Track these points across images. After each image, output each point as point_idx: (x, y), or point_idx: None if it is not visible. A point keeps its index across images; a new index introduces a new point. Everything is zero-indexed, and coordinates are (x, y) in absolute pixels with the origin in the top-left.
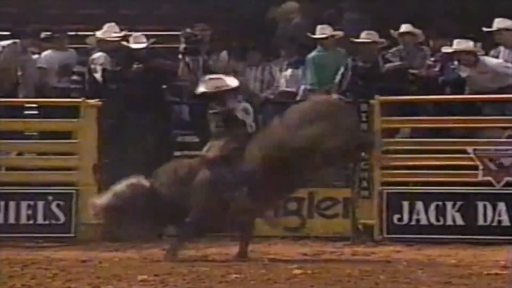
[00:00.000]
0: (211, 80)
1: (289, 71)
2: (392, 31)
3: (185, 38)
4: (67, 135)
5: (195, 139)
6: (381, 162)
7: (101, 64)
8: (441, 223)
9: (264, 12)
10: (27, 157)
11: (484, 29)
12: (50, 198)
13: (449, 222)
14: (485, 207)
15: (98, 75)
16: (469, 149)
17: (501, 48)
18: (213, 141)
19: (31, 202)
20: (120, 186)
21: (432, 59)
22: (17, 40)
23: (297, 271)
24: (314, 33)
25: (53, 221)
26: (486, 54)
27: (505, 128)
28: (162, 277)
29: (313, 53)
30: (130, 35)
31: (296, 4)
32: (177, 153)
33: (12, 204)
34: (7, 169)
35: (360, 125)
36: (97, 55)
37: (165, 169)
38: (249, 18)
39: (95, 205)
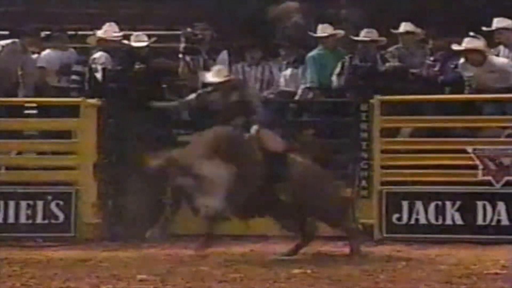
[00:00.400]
0: (220, 70)
1: (288, 71)
2: (392, 29)
3: (185, 37)
4: (66, 134)
5: None
6: None
7: (102, 64)
8: (440, 222)
9: (264, 12)
10: (27, 156)
11: (484, 28)
12: (50, 197)
13: (449, 221)
14: (484, 206)
15: (99, 75)
16: (469, 148)
17: (501, 47)
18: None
19: (31, 202)
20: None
21: (432, 58)
22: (17, 40)
23: (296, 271)
24: (313, 32)
25: (53, 221)
26: None
27: (505, 128)
28: (162, 277)
29: (314, 52)
30: (131, 34)
31: (295, 4)
32: None
33: (11, 204)
34: (7, 168)
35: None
36: (98, 54)
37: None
38: (249, 18)
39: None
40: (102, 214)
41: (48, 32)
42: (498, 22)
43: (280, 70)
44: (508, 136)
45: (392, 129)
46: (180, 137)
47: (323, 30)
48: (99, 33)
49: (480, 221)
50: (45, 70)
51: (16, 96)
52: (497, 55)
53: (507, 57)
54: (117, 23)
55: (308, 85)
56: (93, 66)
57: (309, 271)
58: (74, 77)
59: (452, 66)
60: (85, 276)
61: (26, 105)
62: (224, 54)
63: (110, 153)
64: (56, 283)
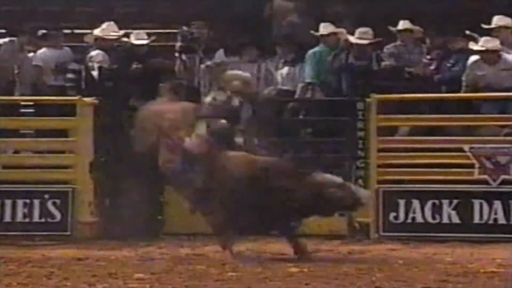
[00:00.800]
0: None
1: (285, 69)
2: (390, 27)
3: (181, 36)
4: (63, 133)
5: None
6: None
7: (98, 62)
8: (437, 221)
9: (260, 10)
10: (23, 155)
11: (484, 26)
12: (46, 196)
13: (445, 220)
14: (481, 205)
15: (95, 73)
16: (466, 147)
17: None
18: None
19: (27, 200)
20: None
21: (429, 57)
22: (14, 38)
23: (293, 269)
24: (312, 31)
25: (49, 219)
26: None
27: (502, 126)
28: (159, 275)
29: (314, 49)
30: (128, 33)
31: (291, 3)
32: None
33: (8, 202)
34: (4, 167)
35: None
36: (95, 52)
37: None
38: (246, 16)
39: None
40: (98, 213)
41: (44, 31)
42: (498, 20)
43: (276, 68)
44: (507, 135)
45: (388, 128)
46: None
47: (325, 28)
48: (97, 31)
49: (476, 219)
50: (41, 68)
51: (12, 94)
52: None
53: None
54: (114, 22)
55: (307, 80)
56: (90, 64)
57: (305, 269)
58: (70, 75)
59: (449, 65)
60: (81, 274)
61: (23, 103)
62: (220, 53)
63: (106, 152)
64: (53, 282)
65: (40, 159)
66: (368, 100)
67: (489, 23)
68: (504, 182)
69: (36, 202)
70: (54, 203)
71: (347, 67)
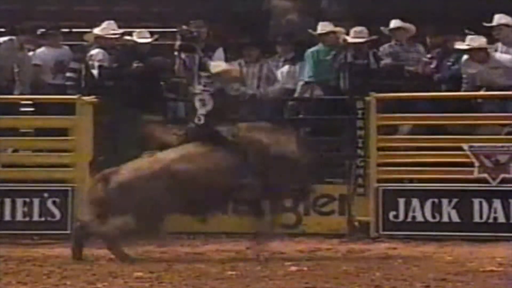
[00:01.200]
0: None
1: (285, 68)
2: (382, 28)
3: (181, 35)
4: (63, 132)
5: None
6: None
7: (98, 61)
8: (437, 220)
9: (259, 9)
10: (23, 154)
11: (485, 24)
12: (46, 195)
13: (445, 219)
14: (481, 204)
15: (95, 72)
16: (465, 146)
17: (499, 44)
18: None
19: (27, 199)
20: None
21: (429, 56)
22: (13, 37)
23: (293, 268)
24: (309, 30)
25: (49, 218)
26: None
27: (502, 125)
28: (158, 274)
29: (314, 48)
30: (128, 32)
31: (289, 3)
32: None
33: (7, 201)
34: (3, 166)
35: None
36: (95, 51)
37: None
38: (245, 15)
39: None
40: None
41: (43, 30)
42: (499, 19)
43: (276, 67)
44: (508, 133)
45: (388, 127)
46: None
47: (324, 27)
48: (97, 30)
49: (476, 218)
50: (40, 67)
51: (12, 93)
52: (495, 51)
53: (506, 53)
54: (114, 21)
55: (306, 79)
56: (90, 63)
57: (305, 268)
58: (70, 74)
59: (449, 63)
60: (81, 273)
61: (22, 102)
62: (220, 52)
63: (106, 150)
64: (53, 281)
65: (39, 158)
66: (367, 98)
67: (490, 22)
68: (503, 181)
69: (36, 201)
70: (53, 202)
71: (347, 66)
